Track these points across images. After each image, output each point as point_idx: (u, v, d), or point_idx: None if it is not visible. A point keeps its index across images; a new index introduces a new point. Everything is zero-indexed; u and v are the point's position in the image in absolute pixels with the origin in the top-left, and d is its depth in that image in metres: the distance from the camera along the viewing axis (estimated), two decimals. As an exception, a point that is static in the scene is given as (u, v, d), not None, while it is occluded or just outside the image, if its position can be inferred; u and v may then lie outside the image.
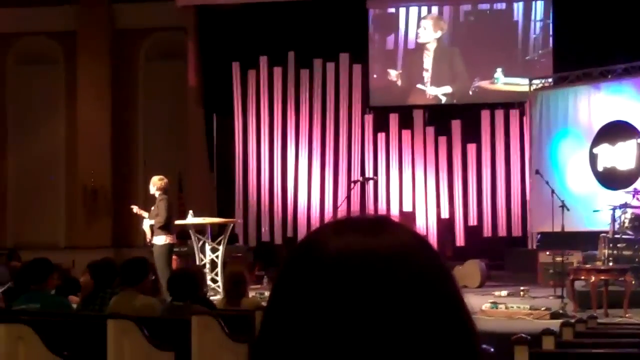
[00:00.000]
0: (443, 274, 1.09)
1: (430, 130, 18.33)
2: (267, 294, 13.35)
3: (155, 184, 12.86)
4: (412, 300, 1.03)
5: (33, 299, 7.53)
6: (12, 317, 5.80)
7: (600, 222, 13.88)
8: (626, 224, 13.38)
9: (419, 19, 18.75)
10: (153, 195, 13.01)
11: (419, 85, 18.74)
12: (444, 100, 18.65)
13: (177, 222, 13.02)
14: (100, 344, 5.96)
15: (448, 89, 18.61)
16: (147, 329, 6.13)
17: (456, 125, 18.21)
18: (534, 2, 18.35)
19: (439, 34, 18.67)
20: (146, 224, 12.71)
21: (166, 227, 12.59)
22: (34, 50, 20.99)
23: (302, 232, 18.37)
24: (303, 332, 1.03)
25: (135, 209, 13.30)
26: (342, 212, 16.32)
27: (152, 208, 12.81)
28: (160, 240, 12.50)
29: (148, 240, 12.71)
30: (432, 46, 18.74)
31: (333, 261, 1.05)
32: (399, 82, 18.93)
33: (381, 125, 18.57)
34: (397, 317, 1.02)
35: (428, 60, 18.74)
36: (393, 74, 18.97)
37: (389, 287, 1.03)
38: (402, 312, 1.02)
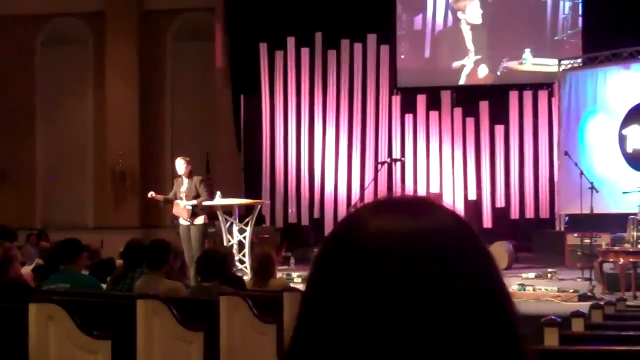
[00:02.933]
0: (483, 255, 1.08)
1: (458, 111, 18.24)
2: (294, 275, 13.43)
3: (185, 164, 12.93)
4: (453, 282, 1.02)
5: (63, 279, 7.59)
6: (42, 297, 5.84)
7: (629, 204, 13.80)
8: (656, 206, 13.30)
9: (447, -1, 18.65)
10: (178, 176, 13.09)
11: (446, 66, 18.65)
12: (471, 81, 18.55)
13: (205, 202, 13.06)
14: (130, 324, 6.00)
15: (476, 70, 18.50)
16: (176, 309, 6.15)
17: (484, 107, 18.11)
18: (563, -18, 18.21)
19: (466, 14, 18.55)
20: (184, 205, 12.77)
21: (205, 207, 12.81)
22: (62, 31, 21.07)
23: (329, 213, 18.38)
24: (342, 313, 1.02)
25: (151, 194, 13.38)
26: (369, 194, 16.31)
27: (184, 189, 12.85)
28: (200, 220, 12.74)
29: (188, 220, 12.76)
30: (459, 27, 18.62)
31: (373, 241, 1.04)
32: (427, 63, 18.84)
33: (409, 106, 18.50)
34: (437, 299, 1.01)
35: (456, 41, 18.63)
36: (420, 55, 18.89)
37: (430, 267, 1.02)
38: (442, 293, 1.01)
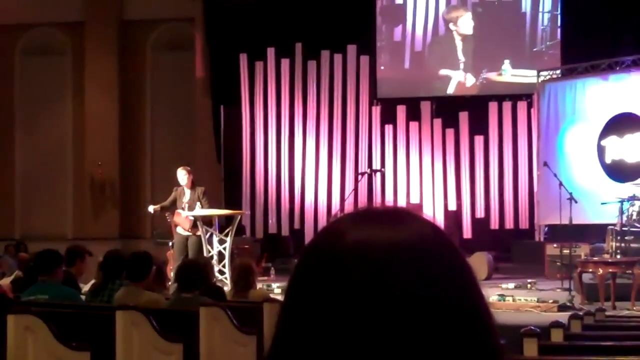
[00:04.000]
0: (461, 267, 1.08)
1: (438, 122, 18.29)
2: (274, 285, 13.41)
3: (187, 175, 13.00)
4: (431, 293, 1.03)
5: (41, 290, 7.54)
6: (20, 308, 5.80)
7: (608, 215, 13.85)
8: (634, 217, 13.37)
9: (427, 10, 18.70)
10: (178, 185, 13.16)
11: (426, 77, 18.70)
12: (451, 92, 18.61)
13: (185, 213, 13.07)
14: (109, 335, 5.97)
15: (455, 81, 18.56)
16: (155, 321, 6.13)
17: (464, 117, 18.17)
18: (542, -6, 18.31)
19: (458, 25, 18.59)
20: (186, 215, 12.85)
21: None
22: (41, 41, 21.00)
23: (309, 224, 18.38)
24: (321, 323, 1.02)
25: (153, 208, 13.42)
26: (349, 204, 16.31)
27: (186, 199, 12.92)
28: (199, 231, 12.78)
29: (189, 231, 12.83)
30: (439, 38, 18.70)
31: (351, 252, 1.04)
32: (407, 74, 18.89)
33: (389, 117, 18.54)
34: (414, 309, 1.01)
35: (435, 52, 18.70)
36: (400, 66, 18.94)
37: (407, 279, 1.02)
38: (420, 304, 1.02)
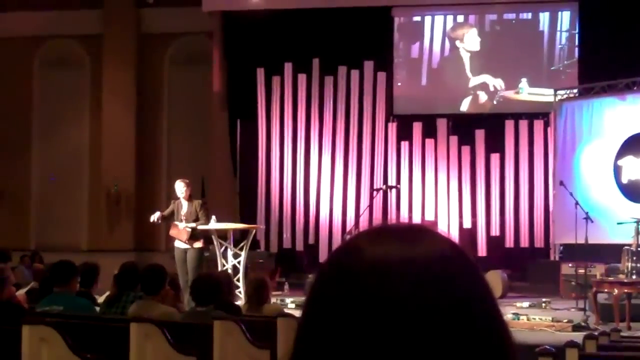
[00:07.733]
0: (479, 282, 1.08)
1: (454, 139, 18.28)
2: (288, 300, 13.40)
3: (185, 187, 12.95)
4: (449, 311, 1.03)
5: (56, 301, 7.56)
6: (35, 319, 5.82)
7: (624, 235, 13.77)
8: (650, 237, 13.29)
9: (445, 27, 18.72)
10: (176, 198, 13.09)
11: (442, 94, 18.68)
12: (465, 109, 18.58)
13: (200, 227, 13.04)
14: (123, 347, 5.97)
15: (472, 98, 18.53)
16: (169, 333, 6.13)
17: (480, 135, 18.15)
18: (560, 12, 18.28)
19: (465, 42, 18.61)
20: (183, 227, 12.79)
21: (203, 232, 12.86)
22: (60, 53, 21.10)
23: (323, 239, 18.36)
24: (339, 340, 1.02)
25: (156, 217, 13.25)
26: (364, 220, 16.30)
27: (184, 212, 12.87)
28: (198, 244, 12.75)
29: (187, 243, 12.77)
30: (457, 55, 18.69)
31: (369, 269, 1.04)
32: (423, 91, 18.88)
33: (405, 134, 18.54)
34: (433, 327, 1.01)
35: (453, 69, 18.69)
36: (417, 83, 18.94)
37: (426, 296, 1.02)
38: (438, 322, 1.02)
